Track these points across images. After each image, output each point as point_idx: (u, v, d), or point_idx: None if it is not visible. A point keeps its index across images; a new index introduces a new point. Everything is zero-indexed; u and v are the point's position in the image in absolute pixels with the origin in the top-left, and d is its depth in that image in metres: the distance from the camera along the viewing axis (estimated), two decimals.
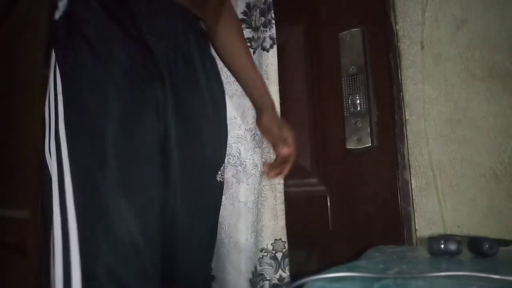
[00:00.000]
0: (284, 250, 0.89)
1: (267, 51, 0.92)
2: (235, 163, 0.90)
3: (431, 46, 0.88)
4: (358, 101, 0.95)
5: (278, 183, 0.91)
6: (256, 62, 0.93)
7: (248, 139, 0.90)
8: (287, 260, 0.88)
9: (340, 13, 1.01)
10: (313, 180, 1.03)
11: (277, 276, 0.88)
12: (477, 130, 0.82)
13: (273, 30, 0.93)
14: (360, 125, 0.95)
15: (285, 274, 0.88)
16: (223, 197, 0.91)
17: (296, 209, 1.03)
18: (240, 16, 0.95)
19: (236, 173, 0.90)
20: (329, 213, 0.98)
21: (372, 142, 0.93)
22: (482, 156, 0.81)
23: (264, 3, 0.96)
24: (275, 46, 0.91)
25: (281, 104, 0.97)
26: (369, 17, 0.97)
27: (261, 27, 0.94)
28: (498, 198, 0.79)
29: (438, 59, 0.87)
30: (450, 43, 0.86)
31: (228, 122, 0.90)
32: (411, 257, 0.57)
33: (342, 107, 0.97)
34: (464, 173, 0.82)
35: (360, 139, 0.95)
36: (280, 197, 0.91)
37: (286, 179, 0.94)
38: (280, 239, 0.90)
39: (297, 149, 1.06)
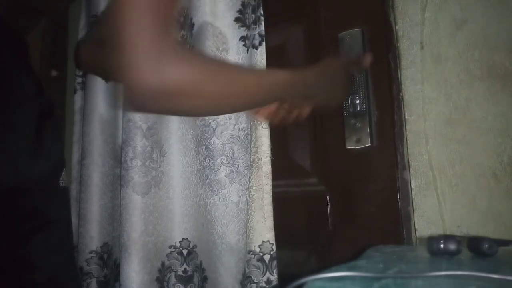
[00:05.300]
0: (272, 253, 0.86)
1: (256, 48, 0.91)
2: (228, 163, 0.89)
3: (431, 46, 0.88)
4: (357, 101, 0.95)
5: (266, 183, 0.89)
6: (248, 61, 0.92)
7: (242, 139, 0.89)
8: (275, 262, 0.86)
9: (340, 13, 1.02)
10: (313, 180, 1.03)
11: (265, 279, 0.86)
12: (477, 130, 0.82)
13: (262, 27, 0.92)
14: (359, 125, 0.95)
15: (273, 277, 0.85)
16: (216, 197, 0.90)
17: (296, 209, 1.03)
18: (236, 14, 0.95)
19: (230, 173, 0.89)
20: (328, 213, 0.98)
21: (371, 142, 0.93)
22: (482, 156, 0.81)
23: (255, 0, 0.95)
24: (263, 43, 0.91)
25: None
26: (368, 17, 0.98)
27: (252, 25, 0.94)
28: (497, 198, 0.79)
29: (437, 59, 0.87)
30: (450, 43, 0.86)
31: (222, 122, 0.90)
32: (411, 257, 0.57)
33: (341, 107, 0.98)
34: (464, 173, 0.83)
35: (359, 139, 0.95)
36: (268, 198, 0.89)
37: (275, 179, 0.92)
38: (268, 241, 0.87)
39: (297, 149, 1.06)
